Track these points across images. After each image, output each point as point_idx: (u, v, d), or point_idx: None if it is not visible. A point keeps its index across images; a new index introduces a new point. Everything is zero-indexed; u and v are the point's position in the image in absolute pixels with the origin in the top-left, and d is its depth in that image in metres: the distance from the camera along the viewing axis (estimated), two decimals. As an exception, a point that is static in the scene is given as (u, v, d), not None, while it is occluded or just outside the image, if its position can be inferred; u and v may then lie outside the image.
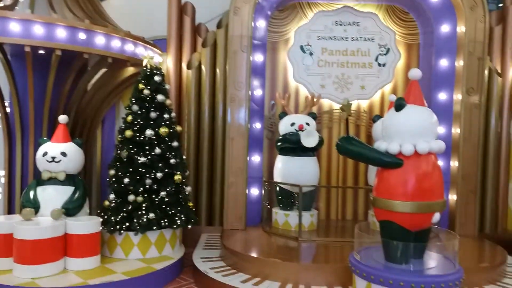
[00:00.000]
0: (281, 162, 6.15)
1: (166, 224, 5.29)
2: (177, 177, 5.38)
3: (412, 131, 3.51)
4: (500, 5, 6.92)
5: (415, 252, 3.63)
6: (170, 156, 5.38)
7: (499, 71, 6.70)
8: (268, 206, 6.31)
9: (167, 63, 6.65)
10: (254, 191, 6.29)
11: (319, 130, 6.84)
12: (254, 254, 4.92)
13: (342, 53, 6.78)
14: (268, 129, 6.83)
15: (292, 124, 6.04)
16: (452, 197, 6.10)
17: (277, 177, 6.17)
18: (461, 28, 6.00)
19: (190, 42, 6.72)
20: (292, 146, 5.93)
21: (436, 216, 3.40)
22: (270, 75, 6.87)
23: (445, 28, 6.14)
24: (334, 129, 6.93)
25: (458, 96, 6.03)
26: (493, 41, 6.71)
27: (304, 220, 6.00)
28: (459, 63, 6.02)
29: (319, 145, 6.07)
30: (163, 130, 5.34)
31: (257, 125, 6.27)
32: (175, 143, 5.49)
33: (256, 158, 6.27)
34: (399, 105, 3.60)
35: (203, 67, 6.56)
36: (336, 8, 6.75)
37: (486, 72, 6.42)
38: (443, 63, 6.16)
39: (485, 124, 6.59)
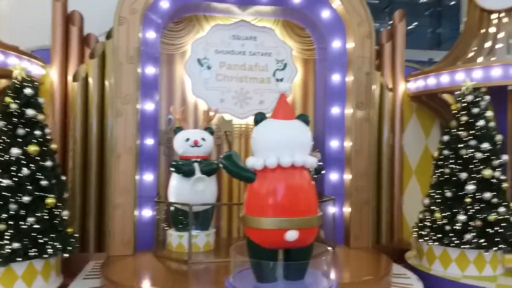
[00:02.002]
0: (175, 180, 5.83)
1: (36, 254, 4.69)
2: (50, 200, 4.83)
3: (270, 146, 3.40)
4: (390, 22, 7.27)
5: (289, 273, 3.47)
6: (41, 177, 4.82)
7: (390, 86, 7.01)
8: (167, 228, 5.93)
9: (51, 75, 6.10)
10: (147, 213, 5.86)
11: (219, 144, 6.65)
12: (133, 283, 4.50)
13: (241, 67, 6.69)
14: (166, 145, 6.49)
15: (187, 139, 5.77)
16: (347, 210, 6.16)
17: (171, 196, 5.82)
18: (350, 44, 6.16)
19: (78, 53, 6.24)
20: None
21: (291, 234, 3.23)
22: (167, 88, 6.58)
23: (336, 44, 6.29)
24: (234, 144, 6.77)
25: (349, 110, 6.15)
26: (384, 58, 7.04)
27: (199, 240, 5.72)
28: (350, 78, 6.16)
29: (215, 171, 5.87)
30: (32, 148, 4.78)
31: (149, 141, 5.89)
32: (48, 163, 4.94)
33: (148, 177, 5.87)
34: (256, 120, 3.52)
35: (90, 79, 6.09)
36: (233, 22, 6.67)
37: (377, 87, 6.69)
38: (335, 78, 6.28)
39: (378, 137, 6.84)
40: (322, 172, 5.96)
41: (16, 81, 4.92)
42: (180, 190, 5.72)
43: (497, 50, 6.42)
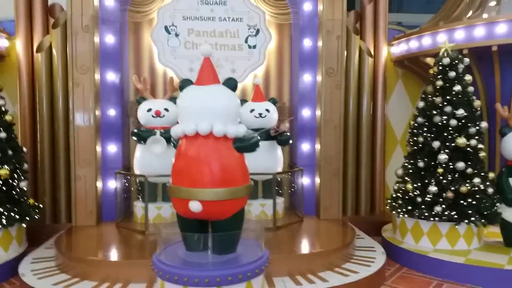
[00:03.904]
0: (138, 151, 5.72)
1: (-8, 224, 4.73)
2: (2, 172, 4.82)
3: (189, 113, 3.20)
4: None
5: (214, 245, 3.32)
6: (-6, 149, 4.81)
7: (372, 51, 6.58)
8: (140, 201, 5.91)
9: (17, 47, 6.02)
10: (113, 184, 5.80)
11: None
12: (79, 254, 4.48)
13: (210, 34, 6.39)
14: (135, 116, 6.35)
15: (149, 110, 5.61)
16: (317, 180, 5.93)
17: (135, 167, 5.73)
18: (320, 6, 5.76)
19: (42, 24, 6.10)
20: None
21: (193, 205, 3.06)
22: (134, 58, 6.39)
23: (307, 6, 5.91)
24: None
25: (320, 78, 5.82)
26: (365, 21, 6.59)
27: (164, 211, 5.64)
28: (321, 42, 5.80)
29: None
30: (-17, 119, 4.76)
31: (112, 112, 5.77)
32: (1, 134, 4.92)
33: (112, 148, 5.79)
34: (180, 87, 3.32)
35: (54, 50, 5.96)
36: (202, -14, 6.34)
37: (355, 52, 6.29)
38: (306, 43, 5.94)
39: (357, 106, 6.48)
40: (289, 142, 5.72)
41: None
42: (144, 160, 5.61)
43: (488, 8, 5.89)
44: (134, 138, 5.60)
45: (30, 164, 5.88)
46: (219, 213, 3.16)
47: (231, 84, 3.36)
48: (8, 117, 5.10)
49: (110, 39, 5.70)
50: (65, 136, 6.00)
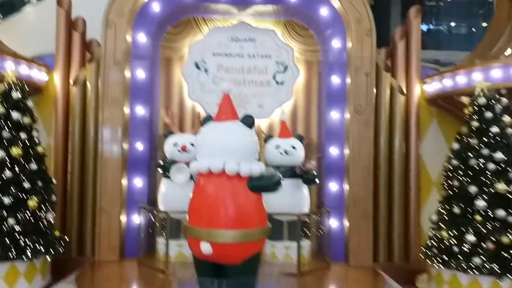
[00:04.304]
0: (164, 186, 5.71)
1: (16, 256, 4.77)
2: (31, 203, 4.90)
3: (205, 150, 3.13)
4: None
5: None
6: (24, 180, 4.92)
7: (404, 89, 6.37)
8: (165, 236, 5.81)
9: (55, 80, 6.29)
10: (137, 219, 5.77)
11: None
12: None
13: (239, 70, 6.46)
14: (162, 150, 6.40)
15: (175, 144, 5.63)
16: (346, 223, 5.66)
17: (160, 203, 5.71)
18: (349, 43, 5.69)
19: (79, 58, 6.36)
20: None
21: (204, 247, 2.91)
22: (164, 92, 6.51)
23: (335, 43, 5.86)
24: (233, 150, 6.52)
25: (348, 115, 5.67)
26: (397, 57, 6.44)
27: (186, 249, 5.51)
28: (349, 79, 5.69)
29: None
30: (15, 150, 4.89)
31: (139, 146, 5.83)
32: (33, 165, 5.03)
33: (138, 182, 5.81)
34: (201, 123, 3.26)
35: (88, 83, 6.17)
36: (232, 24, 6.46)
37: (386, 89, 6.12)
38: (335, 80, 5.85)
39: (388, 145, 6.23)
40: (315, 181, 5.54)
41: (5, 85, 5.08)
42: (168, 195, 5.58)
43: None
44: (159, 170, 5.61)
45: (60, 195, 6.01)
46: (231, 257, 3.03)
47: (248, 121, 3.28)
48: (40, 149, 5.23)
49: (141, 73, 5.84)
50: (94, 169, 6.09)
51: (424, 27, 15.30)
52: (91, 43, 6.47)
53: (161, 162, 5.62)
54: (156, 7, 5.79)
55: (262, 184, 3.17)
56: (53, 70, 6.34)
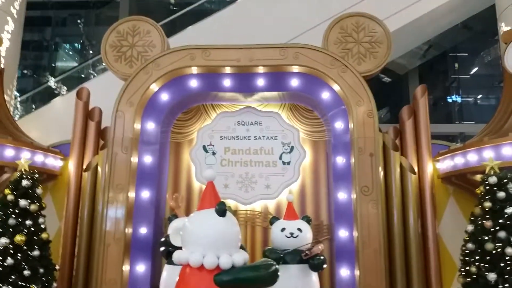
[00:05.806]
0: (166, 272, 5.53)
1: None
2: (29, 292, 4.85)
3: (184, 239, 3.05)
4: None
5: None
6: (25, 267, 4.92)
7: (416, 167, 6.19)
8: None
9: (69, 167, 6.55)
10: (138, 306, 5.59)
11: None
12: None
13: (245, 152, 6.54)
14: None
15: (178, 228, 5.55)
16: (358, 316, 5.22)
17: (162, 290, 5.50)
18: (351, 124, 5.71)
19: (94, 145, 6.66)
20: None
21: None
22: (173, 176, 6.61)
23: (339, 125, 5.88)
24: (241, 232, 6.35)
25: (355, 196, 5.50)
26: (406, 135, 6.35)
27: None
28: (353, 160, 5.61)
29: None
30: (18, 237, 4.97)
31: (143, 230, 5.80)
32: (35, 252, 5.06)
33: (140, 268, 5.68)
34: None
35: (99, 169, 6.38)
36: (238, 109, 6.69)
37: (396, 169, 5.96)
38: (340, 160, 5.78)
39: (403, 227, 5.92)
40: (323, 267, 5.23)
41: (17, 174, 5.32)
42: (170, 282, 5.37)
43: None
44: (161, 248, 5.46)
45: (65, 280, 5.95)
46: None
47: (219, 210, 3.21)
48: (44, 235, 5.30)
49: (148, 159, 6.00)
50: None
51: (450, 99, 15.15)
52: (105, 130, 6.81)
53: (162, 239, 5.52)
54: (164, 97, 6.11)
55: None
56: (68, 157, 6.65)
